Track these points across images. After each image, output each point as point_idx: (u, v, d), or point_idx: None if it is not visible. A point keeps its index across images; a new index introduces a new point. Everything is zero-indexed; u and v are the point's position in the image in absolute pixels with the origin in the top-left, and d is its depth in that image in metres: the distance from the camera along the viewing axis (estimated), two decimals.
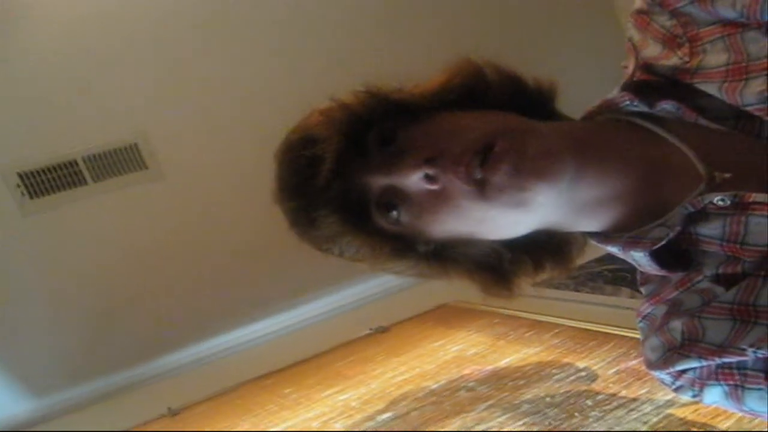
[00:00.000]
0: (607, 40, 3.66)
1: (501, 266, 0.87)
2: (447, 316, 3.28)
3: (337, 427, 2.51)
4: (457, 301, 3.27)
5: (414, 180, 0.77)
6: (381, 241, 0.84)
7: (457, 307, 3.28)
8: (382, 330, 3.35)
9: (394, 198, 0.80)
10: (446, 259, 0.86)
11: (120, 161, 3.29)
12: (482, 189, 0.75)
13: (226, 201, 3.40)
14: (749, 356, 0.74)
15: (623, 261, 0.88)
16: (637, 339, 2.26)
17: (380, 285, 3.35)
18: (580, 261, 0.95)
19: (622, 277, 2.41)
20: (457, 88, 0.85)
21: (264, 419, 2.79)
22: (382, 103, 0.83)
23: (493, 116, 0.81)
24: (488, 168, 0.74)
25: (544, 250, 0.87)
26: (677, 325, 0.80)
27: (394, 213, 0.81)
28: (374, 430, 2.25)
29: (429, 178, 0.77)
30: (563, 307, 2.70)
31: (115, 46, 3.29)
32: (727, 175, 0.77)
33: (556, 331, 2.62)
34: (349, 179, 0.80)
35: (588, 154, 0.80)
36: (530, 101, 0.87)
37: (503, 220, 0.79)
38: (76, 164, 3.21)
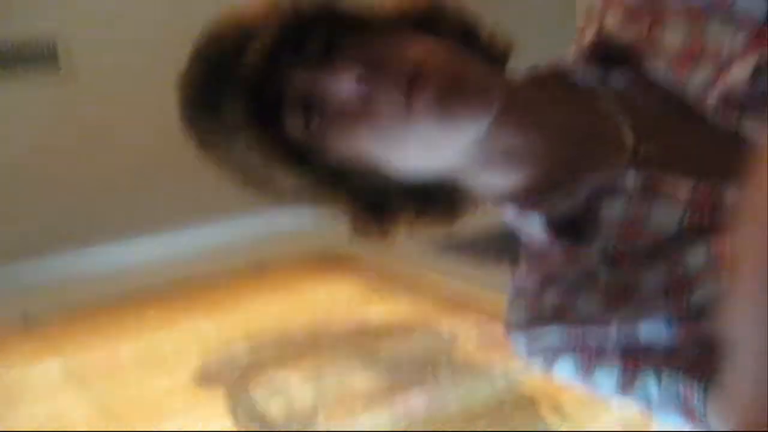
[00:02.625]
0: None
1: (386, 204, 0.85)
2: (325, 261, 3.29)
3: (189, 355, 2.46)
4: (336, 248, 3.27)
5: (343, 85, 0.74)
6: (278, 146, 0.79)
7: (336, 254, 3.29)
8: (258, 266, 3.33)
9: (315, 103, 0.76)
10: (337, 182, 0.82)
11: (33, 56, 3.16)
12: (409, 103, 0.71)
13: (131, 112, 3.28)
14: (612, 333, 0.73)
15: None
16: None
17: (265, 222, 3.36)
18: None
19: (503, 248, 2.44)
20: (409, 12, 0.82)
21: (118, 337, 2.77)
22: (332, 8, 0.79)
23: (437, 46, 0.78)
24: (417, 89, 0.71)
25: (435, 198, 0.85)
26: (549, 294, 0.78)
27: (308, 118, 0.76)
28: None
29: (359, 86, 0.73)
30: (437, 268, 2.72)
31: None
32: (656, 153, 0.76)
33: (428, 290, 2.65)
34: (273, 74, 0.75)
35: (516, 105, 0.78)
36: (480, 46, 0.84)
37: (421, 143, 0.76)
38: None
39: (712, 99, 0.75)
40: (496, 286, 2.24)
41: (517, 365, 1.80)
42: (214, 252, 3.42)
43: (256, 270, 3.34)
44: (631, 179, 0.75)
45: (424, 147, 0.77)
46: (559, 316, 0.77)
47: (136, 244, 3.39)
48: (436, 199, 0.85)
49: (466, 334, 2.11)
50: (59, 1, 3.17)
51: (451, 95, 0.72)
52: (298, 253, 3.38)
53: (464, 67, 0.76)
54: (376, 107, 0.73)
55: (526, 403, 1.65)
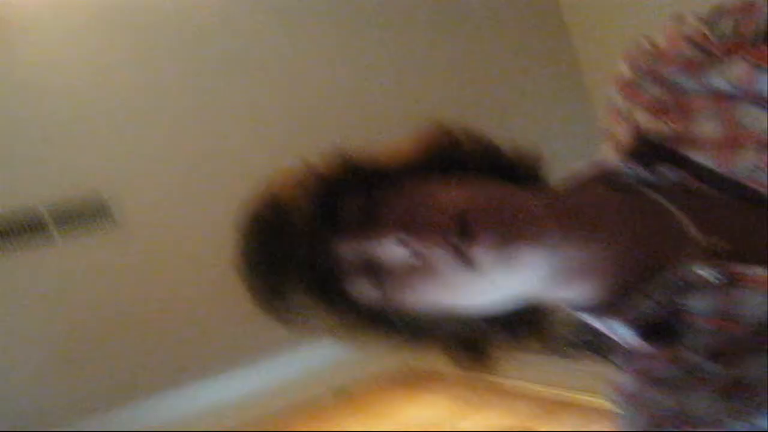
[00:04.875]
0: (576, 112, 3.80)
1: (478, 341, 0.84)
2: (411, 378, 3.23)
3: None
4: (420, 364, 3.23)
5: (391, 249, 0.74)
6: (354, 315, 0.79)
7: (421, 370, 3.24)
8: (343, 391, 3.28)
9: (370, 268, 0.77)
10: (422, 332, 0.82)
11: (86, 214, 3.24)
12: (465, 257, 0.73)
13: (188, 259, 3.36)
14: (726, 428, 0.72)
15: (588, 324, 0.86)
16: (603, 407, 2.26)
17: (340, 345, 3.30)
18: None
19: (587, 342, 2.39)
20: (430, 153, 0.82)
21: None
22: (353, 168, 0.79)
23: (470, 185, 0.78)
24: (470, 238, 0.71)
25: (522, 320, 0.84)
26: (658, 397, 0.77)
27: (370, 286, 0.77)
28: None
29: (407, 247, 0.74)
30: (528, 370, 2.66)
31: (84, 100, 3.27)
32: (724, 244, 0.76)
33: (522, 396, 2.58)
34: (320, 250, 0.75)
35: (576, 221, 0.77)
36: (510, 168, 0.85)
37: (487, 288, 0.75)
38: (41, 216, 3.15)
39: (764, 182, 0.74)
40: (590, 388, 2.20)
41: None
42: (295, 382, 3.40)
43: (342, 396, 3.29)
44: (706, 273, 0.74)
45: (491, 291, 0.75)
46: (675, 419, 0.75)
47: (214, 385, 3.38)
48: (522, 319, 0.84)
49: None
50: (102, 157, 3.29)
51: (503, 237, 0.70)
52: (382, 374, 3.33)
53: (504, 201, 0.74)
54: (431, 266, 0.73)
55: None
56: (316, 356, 3.32)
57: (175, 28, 3.46)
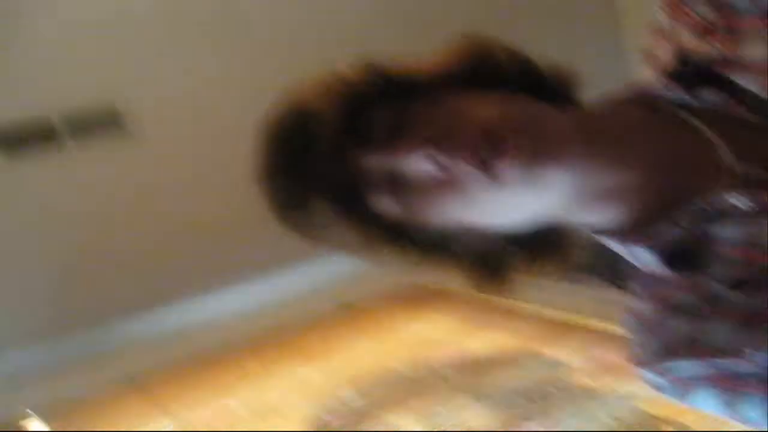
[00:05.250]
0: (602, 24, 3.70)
1: (495, 260, 0.83)
2: (417, 295, 3.25)
3: (298, 401, 2.47)
4: (427, 281, 3.25)
5: (418, 163, 0.72)
6: (376, 229, 0.78)
7: (428, 287, 3.26)
8: (350, 307, 3.31)
9: (395, 182, 0.75)
10: (442, 249, 0.81)
11: (98, 123, 3.21)
12: (493, 172, 0.71)
13: (202, 167, 3.34)
14: (746, 360, 0.72)
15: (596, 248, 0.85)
16: (609, 331, 2.29)
17: (349, 260, 3.32)
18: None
19: (603, 267, 2.39)
20: (464, 66, 0.79)
21: (223, 391, 2.77)
22: (383, 79, 0.77)
23: (502, 100, 0.75)
24: (498, 155, 0.69)
25: (542, 242, 0.82)
26: (674, 324, 0.76)
27: (394, 198, 0.76)
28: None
29: (431, 159, 0.72)
30: (535, 293, 2.67)
31: (102, 3, 3.21)
32: (761, 172, 0.74)
33: (528, 317, 2.61)
34: (345, 160, 0.74)
35: (605, 142, 0.75)
36: (544, 85, 0.82)
37: (512, 205, 0.74)
38: (52, 123, 3.12)
39: None
40: (597, 312, 2.22)
41: (632, 388, 1.77)
42: (302, 296, 3.43)
43: (348, 311, 3.33)
44: (737, 201, 0.72)
45: (516, 208, 0.74)
46: (690, 346, 0.75)
47: (223, 297, 3.42)
48: (546, 241, 0.83)
49: (573, 361, 2.08)
50: (115, 67, 3.25)
51: (533, 154, 0.69)
52: (388, 290, 3.36)
53: (537, 118, 0.73)
54: (458, 181, 0.72)
55: (648, 425, 1.61)
56: (322, 271, 3.34)
57: None
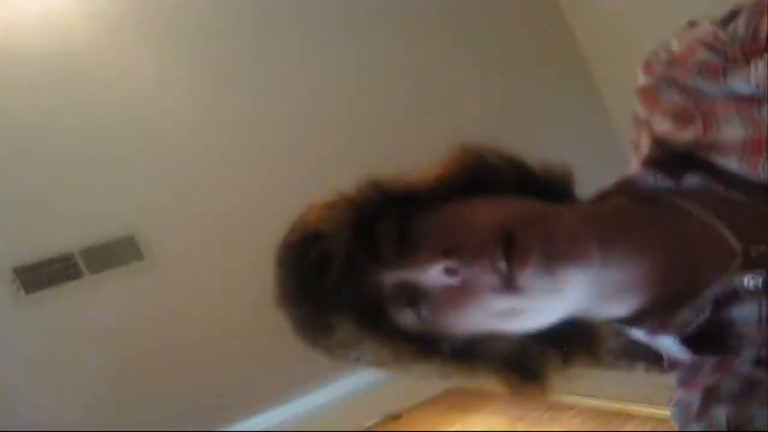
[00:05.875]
0: (592, 119, 3.78)
1: (529, 362, 0.81)
2: (459, 398, 3.19)
3: None
4: (471, 383, 3.20)
5: (432, 274, 0.72)
6: (402, 343, 0.77)
7: (469, 391, 3.20)
8: (394, 417, 3.27)
9: (411, 295, 0.75)
10: (472, 358, 0.80)
11: (116, 253, 3.27)
12: (511, 281, 0.70)
13: (222, 292, 3.35)
14: None
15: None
16: (661, 416, 2.22)
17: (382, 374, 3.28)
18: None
19: (636, 351, 2.34)
20: (462, 174, 0.81)
21: None
22: (387, 194, 0.79)
23: (507, 202, 0.77)
24: (516, 261, 0.69)
25: (572, 340, 0.82)
26: (720, 412, 0.74)
27: (414, 311, 0.76)
28: None
29: (449, 271, 0.72)
30: (578, 384, 2.60)
31: (111, 142, 3.31)
32: (763, 248, 0.74)
33: (575, 410, 2.54)
34: (361, 278, 0.75)
35: (614, 236, 0.76)
36: (541, 185, 0.83)
37: (534, 310, 0.74)
38: (73, 257, 3.19)
39: None
40: (647, 399, 2.15)
41: None
42: (347, 411, 3.36)
43: (395, 421, 3.27)
44: (751, 281, 0.72)
45: (539, 313, 0.74)
46: (737, 430, 0.73)
47: (265, 420, 3.37)
48: (575, 338, 0.82)
49: None
50: (131, 198, 3.33)
51: (548, 258, 0.69)
52: (433, 396, 3.28)
53: (545, 216, 0.73)
54: (473, 287, 0.71)
55: None
56: (363, 383, 3.31)
57: (202, 61, 3.51)
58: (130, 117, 3.36)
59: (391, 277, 0.75)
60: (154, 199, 3.37)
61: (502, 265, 0.69)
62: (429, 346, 0.78)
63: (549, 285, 0.70)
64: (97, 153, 3.28)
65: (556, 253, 0.69)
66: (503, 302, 0.72)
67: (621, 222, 0.79)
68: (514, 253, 0.69)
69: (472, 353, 0.79)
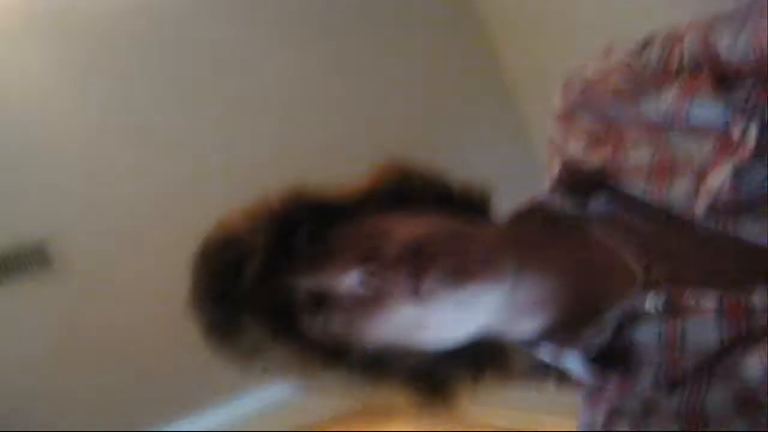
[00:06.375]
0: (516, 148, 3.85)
1: (437, 377, 0.82)
2: (373, 412, 3.18)
3: None
4: (381, 397, 3.18)
5: (346, 281, 0.74)
6: (309, 351, 0.78)
7: (381, 405, 3.19)
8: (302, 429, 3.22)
9: (323, 301, 0.76)
10: (380, 370, 0.81)
11: (24, 261, 3.17)
12: (417, 289, 0.72)
13: (133, 300, 3.27)
14: None
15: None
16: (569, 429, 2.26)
17: (294, 385, 3.25)
18: None
19: (546, 367, 2.37)
20: (384, 189, 0.84)
21: None
22: (308, 203, 0.81)
23: (425, 219, 0.79)
24: (423, 270, 0.72)
25: (482, 358, 0.83)
26: (619, 427, 0.76)
27: (324, 317, 0.76)
28: None
29: (361, 280, 0.73)
30: (492, 398, 2.63)
31: (25, 144, 3.21)
32: (663, 273, 0.76)
33: (491, 425, 2.56)
34: (275, 282, 0.76)
35: (527, 257, 0.78)
36: (460, 203, 0.85)
37: (441, 324, 0.75)
38: None
39: (699, 209, 0.75)
40: (555, 411, 2.18)
41: None
42: (253, 426, 3.34)
43: None
44: (651, 302, 0.74)
45: (445, 326, 0.76)
46: None
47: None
48: (485, 355, 0.83)
49: None
50: (39, 204, 3.24)
51: (457, 272, 0.72)
52: (341, 411, 3.29)
53: (460, 235, 0.76)
54: (383, 297, 0.74)
55: None
56: (272, 397, 3.28)
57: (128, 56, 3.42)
58: (31, 118, 3.25)
59: (305, 283, 0.76)
60: (63, 205, 3.27)
61: (410, 272, 0.72)
62: (337, 356, 0.78)
63: (456, 297, 0.72)
64: (8, 156, 3.18)
65: (465, 268, 0.72)
66: (410, 312, 0.73)
67: (533, 243, 0.81)
68: (422, 262, 0.72)
69: (381, 365, 0.80)
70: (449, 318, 0.75)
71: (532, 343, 0.82)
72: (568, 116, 0.86)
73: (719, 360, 0.73)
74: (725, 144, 0.75)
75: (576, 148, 0.85)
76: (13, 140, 3.19)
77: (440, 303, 0.73)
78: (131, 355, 3.25)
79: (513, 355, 0.84)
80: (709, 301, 0.73)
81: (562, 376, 0.83)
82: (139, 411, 3.25)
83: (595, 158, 0.83)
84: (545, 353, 0.81)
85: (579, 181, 0.84)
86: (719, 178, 0.74)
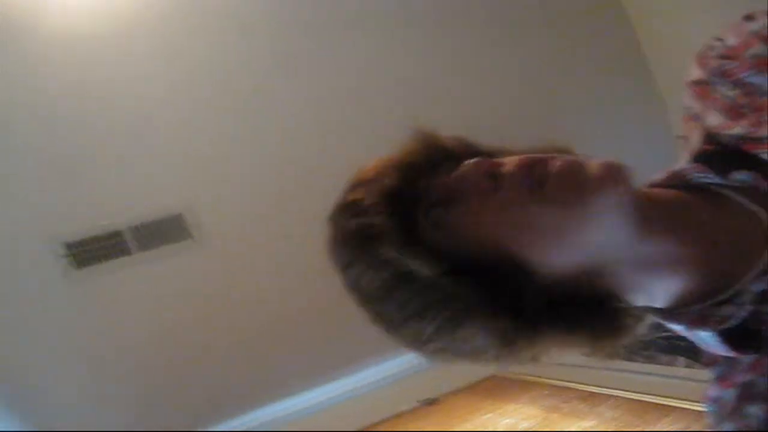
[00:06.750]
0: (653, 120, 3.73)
1: (536, 314, 0.76)
2: (496, 387, 3.21)
3: None
4: (505, 372, 3.20)
5: (471, 174, 0.75)
6: (436, 264, 0.75)
7: (506, 378, 3.21)
8: (431, 402, 3.29)
9: (448, 195, 0.76)
10: (483, 284, 0.75)
11: (164, 231, 3.34)
12: (541, 182, 0.72)
13: (270, 270, 3.42)
14: None
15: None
16: (698, 411, 2.20)
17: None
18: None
19: (677, 346, 2.33)
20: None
21: None
22: (436, 151, 0.81)
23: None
24: (548, 169, 0.72)
25: (601, 310, 0.81)
26: (755, 410, 0.74)
27: (442, 210, 0.76)
28: None
29: (487, 172, 0.74)
30: (617, 377, 2.59)
31: (161, 117, 3.39)
32: None
33: (611, 403, 2.53)
34: (408, 197, 0.78)
35: (655, 212, 0.76)
36: None
37: (561, 225, 0.73)
38: (121, 235, 3.28)
39: None
40: (680, 390, 2.12)
41: None
42: (384, 393, 3.42)
43: (431, 407, 3.30)
44: None
45: (556, 232, 0.73)
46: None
47: (302, 398, 3.43)
48: (593, 309, 0.80)
49: None
50: (180, 178, 3.41)
51: (578, 184, 0.71)
52: (470, 384, 3.33)
53: (578, 163, 0.73)
54: (508, 189, 0.73)
55: None
56: (403, 367, 3.34)
57: (262, 44, 3.55)
58: (179, 90, 3.42)
59: (436, 184, 0.77)
60: (202, 179, 3.42)
61: (530, 176, 0.72)
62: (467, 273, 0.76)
63: (576, 196, 0.71)
64: (146, 131, 3.35)
65: (587, 180, 0.71)
66: (532, 210, 0.72)
67: (664, 203, 0.79)
68: (547, 166, 0.72)
69: (484, 277, 0.75)
70: (569, 219, 0.73)
71: (667, 314, 0.80)
72: (706, 85, 0.83)
73: None
74: None
75: (715, 117, 0.82)
76: (147, 118, 3.38)
77: (559, 204, 0.71)
78: (261, 325, 3.38)
79: (634, 320, 0.82)
80: None
81: (694, 354, 0.81)
82: (264, 381, 3.39)
83: (735, 128, 0.80)
84: (678, 327, 0.80)
85: (720, 152, 0.82)
86: None
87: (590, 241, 0.73)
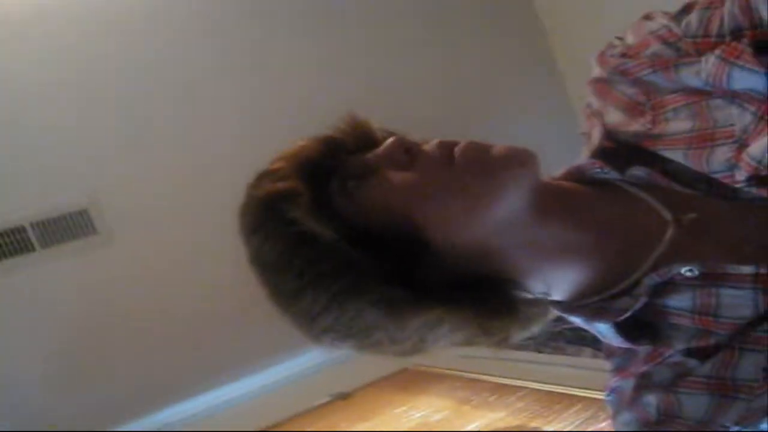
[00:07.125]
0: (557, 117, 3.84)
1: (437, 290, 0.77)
2: (407, 380, 3.23)
3: None
4: (416, 365, 3.23)
5: (389, 149, 0.79)
6: (347, 232, 0.77)
7: (417, 371, 3.24)
8: (343, 396, 3.29)
9: (363, 168, 0.79)
10: (388, 253, 0.76)
11: (69, 227, 3.24)
12: (451, 161, 0.76)
13: (177, 267, 3.35)
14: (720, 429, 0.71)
15: None
16: (604, 400, 2.27)
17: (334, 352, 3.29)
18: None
19: (583, 337, 2.39)
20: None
21: None
22: (364, 135, 0.83)
23: None
24: (459, 150, 0.77)
25: (489, 293, 0.78)
26: (651, 399, 0.76)
27: (357, 182, 0.78)
28: None
29: (401, 146, 0.78)
30: (525, 368, 2.64)
31: (64, 110, 3.27)
32: (692, 216, 0.76)
33: (520, 394, 2.58)
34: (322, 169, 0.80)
35: (554, 200, 0.79)
36: None
37: (465, 196, 0.76)
38: (24, 230, 3.15)
39: (740, 177, 0.74)
40: (587, 380, 2.18)
41: None
42: (295, 388, 3.39)
43: (343, 401, 3.29)
44: (687, 271, 0.74)
45: (461, 203, 0.75)
46: (671, 422, 0.74)
47: (213, 394, 3.37)
48: (486, 290, 0.78)
49: None
50: (84, 171, 3.32)
51: (484, 159, 0.75)
52: (382, 377, 3.33)
53: (484, 146, 0.78)
54: (422, 159, 0.77)
55: None
56: (314, 361, 3.32)
57: (160, 37, 3.47)
58: (82, 83, 3.31)
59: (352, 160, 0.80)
60: (108, 172, 3.33)
61: (444, 149, 0.77)
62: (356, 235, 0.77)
63: (482, 169, 0.75)
64: (48, 124, 3.23)
65: (495, 156, 0.76)
66: (444, 176, 0.76)
67: (563, 192, 0.81)
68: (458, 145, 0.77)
69: (388, 247, 0.77)
70: (473, 194, 0.76)
71: (566, 307, 0.82)
72: (606, 83, 0.85)
73: (753, 328, 0.72)
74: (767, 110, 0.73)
75: (615, 114, 0.84)
76: (51, 110, 3.26)
77: (467, 175, 0.75)
78: (170, 320, 3.31)
79: (532, 309, 0.83)
80: (745, 269, 0.72)
81: (599, 342, 0.83)
82: (173, 378, 3.32)
83: (634, 125, 0.82)
84: (578, 319, 0.81)
85: (619, 148, 0.83)
86: (761, 146, 0.72)
87: (492, 217, 0.76)
